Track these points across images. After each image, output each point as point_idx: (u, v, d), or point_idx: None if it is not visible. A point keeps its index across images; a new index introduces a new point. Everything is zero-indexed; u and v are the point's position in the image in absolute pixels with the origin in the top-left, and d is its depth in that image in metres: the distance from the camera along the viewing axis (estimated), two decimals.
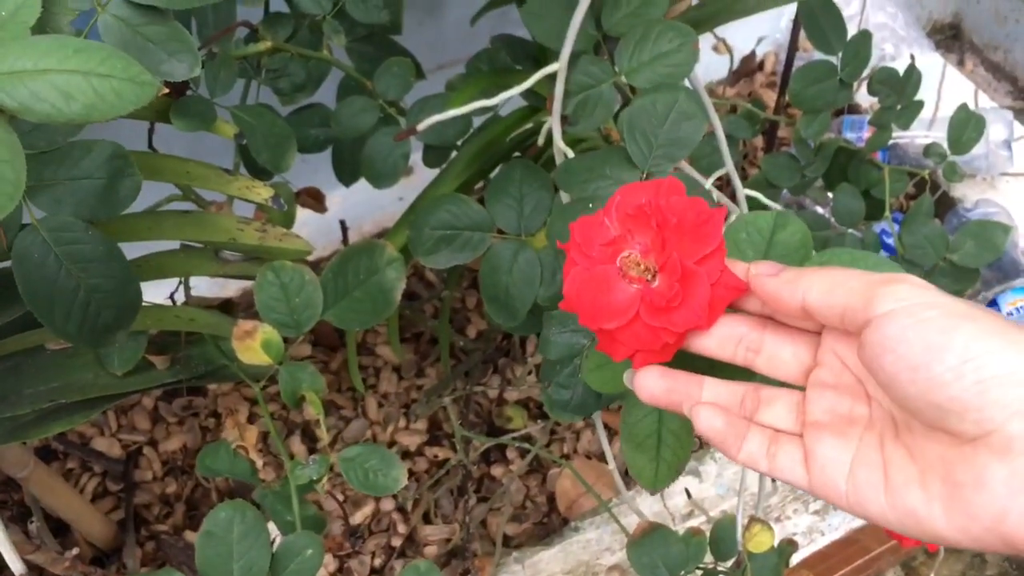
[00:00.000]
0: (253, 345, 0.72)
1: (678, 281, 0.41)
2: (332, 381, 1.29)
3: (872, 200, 1.15)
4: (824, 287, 0.40)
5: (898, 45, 1.44)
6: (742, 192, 0.84)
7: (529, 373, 1.28)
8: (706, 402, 0.43)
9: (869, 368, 0.38)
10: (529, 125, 0.95)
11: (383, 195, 0.94)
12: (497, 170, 0.77)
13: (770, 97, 1.51)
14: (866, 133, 1.37)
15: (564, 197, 0.76)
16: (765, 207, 0.97)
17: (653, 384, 0.44)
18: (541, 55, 0.92)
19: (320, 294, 0.74)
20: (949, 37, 1.77)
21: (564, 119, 0.76)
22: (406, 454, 1.22)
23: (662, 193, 0.43)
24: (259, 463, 0.74)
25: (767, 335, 0.43)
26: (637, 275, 0.43)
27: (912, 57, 1.10)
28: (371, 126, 0.83)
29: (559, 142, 0.75)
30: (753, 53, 1.52)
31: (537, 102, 0.94)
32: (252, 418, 1.26)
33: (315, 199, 1.03)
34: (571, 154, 0.74)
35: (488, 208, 0.76)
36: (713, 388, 0.44)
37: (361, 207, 1.34)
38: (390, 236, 0.88)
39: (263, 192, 0.69)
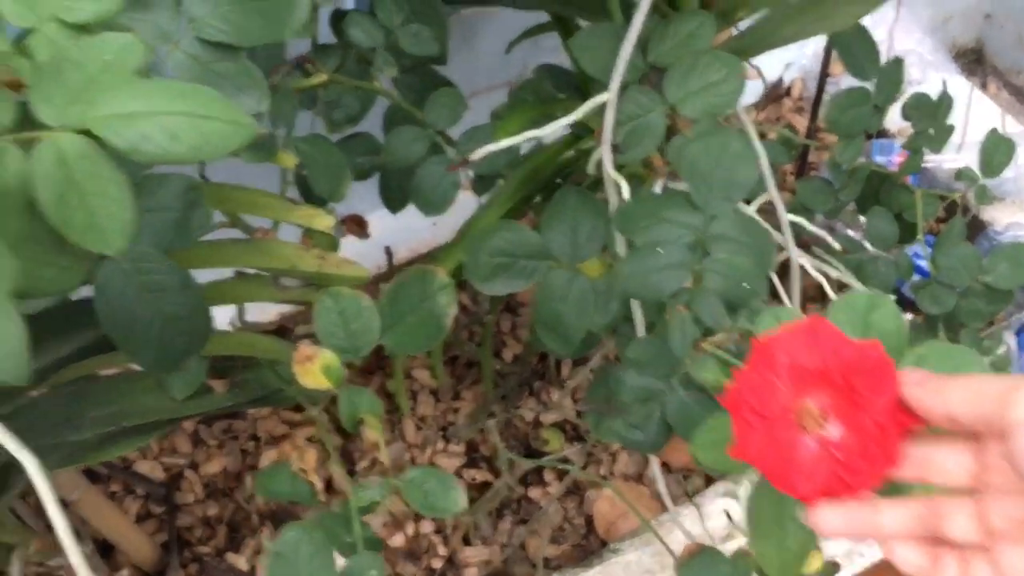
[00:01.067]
0: (313, 369, 0.74)
1: (866, 435, 0.42)
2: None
3: (904, 223, 1.17)
4: (965, 396, 0.40)
5: (924, 70, 1.46)
6: (786, 218, 0.85)
7: (565, 396, 1.29)
8: (897, 535, 0.43)
9: (1020, 473, 0.38)
10: (571, 152, 0.97)
11: (417, 220, 0.95)
12: (552, 199, 0.78)
13: (798, 121, 1.53)
14: (895, 156, 1.38)
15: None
16: (808, 232, 0.99)
17: (832, 521, 0.44)
18: (583, 84, 0.94)
19: (377, 320, 0.76)
20: (972, 61, 1.79)
21: (614, 148, 0.78)
22: None
23: (824, 343, 0.43)
24: (319, 485, 0.76)
25: (927, 443, 0.43)
26: (820, 432, 0.43)
27: (944, 83, 1.12)
28: (422, 155, 0.85)
29: (610, 171, 0.77)
30: (780, 79, 1.54)
31: (580, 129, 0.96)
32: (281, 440, 1.27)
33: (359, 225, 1.05)
34: (623, 183, 0.76)
35: (543, 236, 0.78)
36: (892, 512, 0.43)
37: (395, 232, 1.35)
38: (439, 262, 0.90)
39: (326, 220, 0.71)
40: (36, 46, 0.48)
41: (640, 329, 0.79)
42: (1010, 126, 1.51)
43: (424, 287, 0.79)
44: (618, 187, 0.77)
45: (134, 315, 0.59)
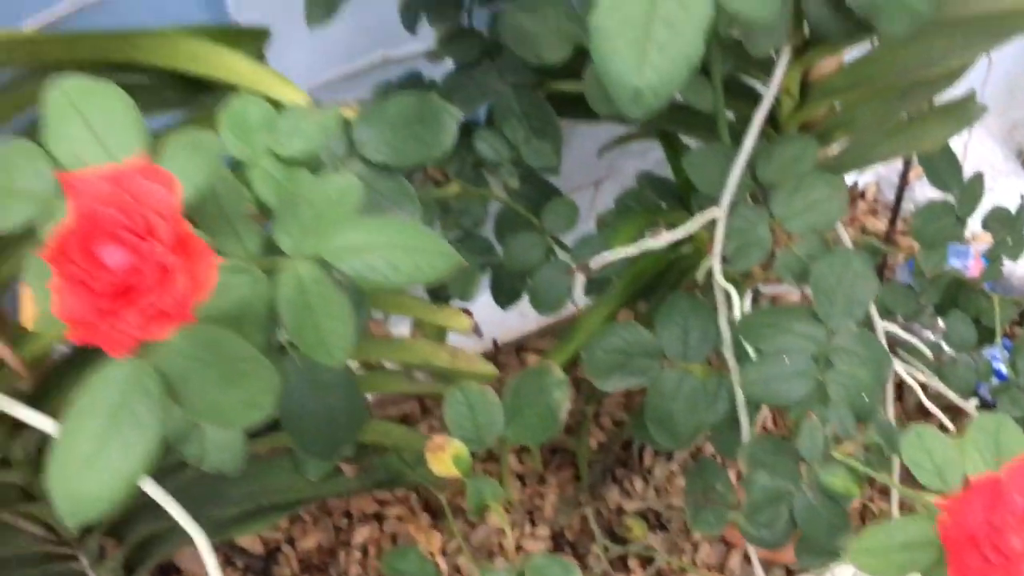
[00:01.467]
0: (444, 458, 0.80)
1: None
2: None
3: (981, 327, 1.21)
4: None
5: (995, 177, 1.52)
6: (881, 326, 0.91)
7: (647, 486, 1.34)
8: None
9: None
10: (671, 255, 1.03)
11: (509, 311, 1.02)
12: (665, 303, 0.84)
13: (871, 223, 1.59)
14: (971, 261, 1.43)
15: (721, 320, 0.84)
16: (895, 336, 1.04)
17: None
18: (685, 194, 1.01)
19: (501, 413, 0.82)
20: None
21: (723, 258, 0.84)
22: None
23: None
24: (444, 567, 0.81)
25: None
26: None
27: (1022, 197, 1.17)
28: (539, 260, 0.92)
29: (721, 280, 0.83)
30: (856, 182, 1.61)
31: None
32: (372, 518, 1.32)
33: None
34: (734, 292, 0.82)
35: (657, 336, 0.84)
36: None
37: (488, 324, 1.42)
38: (551, 357, 0.96)
39: (465, 322, 0.78)
40: (257, 179, 0.56)
41: (746, 430, 0.84)
42: None
43: (541, 382, 0.85)
44: (728, 295, 0.83)
45: (305, 408, 0.66)
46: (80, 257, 0.35)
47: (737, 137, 0.91)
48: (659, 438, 0.86)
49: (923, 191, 1.54)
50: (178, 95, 0.71)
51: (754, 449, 0.80)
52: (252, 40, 0.76)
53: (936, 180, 1.08)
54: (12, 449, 0.73)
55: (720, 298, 0.84)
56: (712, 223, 0.85)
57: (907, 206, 1.50)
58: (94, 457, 0.41)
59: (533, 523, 1.31)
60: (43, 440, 0.75)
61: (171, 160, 0.44)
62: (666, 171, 1.43)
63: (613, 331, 0.85)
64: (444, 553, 1.30)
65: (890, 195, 1.59)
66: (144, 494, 0.72)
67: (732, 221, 0.83)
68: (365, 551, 1.29)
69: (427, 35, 1.04)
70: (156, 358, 0.43)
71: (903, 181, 1.26)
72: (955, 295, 1.22)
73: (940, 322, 1.27)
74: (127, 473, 0.41)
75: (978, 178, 1.10)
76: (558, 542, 1.30)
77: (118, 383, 0.42)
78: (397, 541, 1.30)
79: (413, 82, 1.04)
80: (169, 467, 0.76)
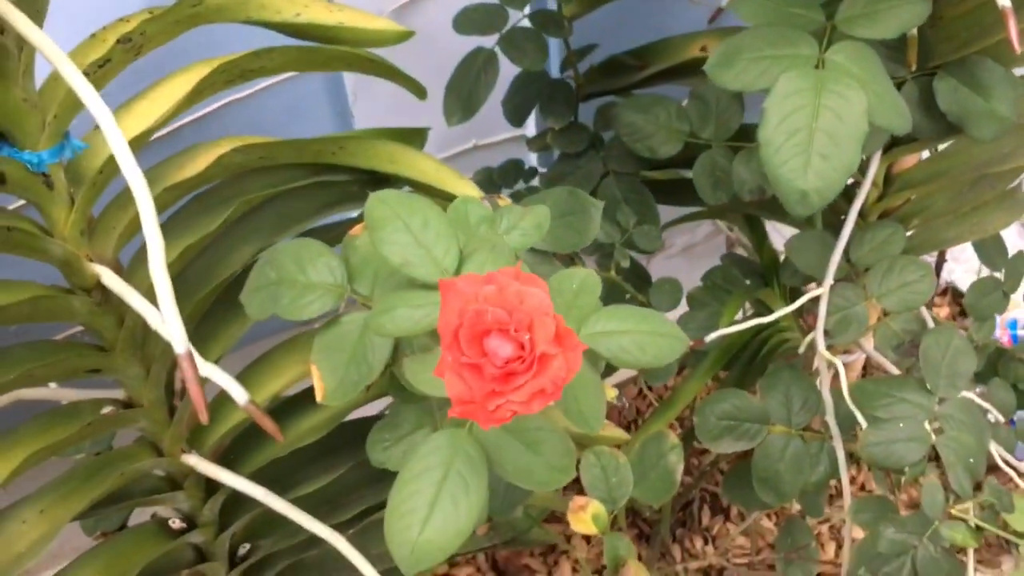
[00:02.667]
0: (585, 518, 0.87)
1: None
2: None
3: (1019, 392, 1.32)
4: None
5: None
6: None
7: (706, 544, 1.41)
8: None
9: None
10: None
11: None
12: (768, 373, 0.93)
13: None
14: (997, 331, 1.54)
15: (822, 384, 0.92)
16: None
17: None
18: (768, 273, 1.10)
19: (631, 475, 0.90)
20: None
21: (825, 333, 0.93)
22: None
23: None
24: None
25: None
26: None
27: None
28: None
29: (824, 352, 0.92)
30: None
31: (762, 310, 1.12)
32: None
33: None
34: (838, 363, 0.91)
35: (764, 403, 0.93)
36: None
37: None
38: (652, 423, 1.04)
39: (611, 391, 0.86)
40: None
41: (846, 488, 0.93)
42: None
43: (659, 447, 0.93)
44: (831, 364, 0.92)
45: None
46: (469, 348, 0.43)
47: (825, 224, 1.02)
48: (765, 496, 0.94)
49: (947, 273, 1.66)
50: (360, 189, 0.79)
51: (860, 507, 0.89)
52: (419, 139, 0.84)
53: (985, 258, 1.19)
54: (202, 512, 0.79)
55: (823, 368, 0.93)
56: (811, 301, 0.94)
57: None
58: (429, 515, 0.48)
59: None
60: (227, 504, 0.81)
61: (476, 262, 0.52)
62: (715, 246, 1.54)
63: (723, 398, 0.93)
64: None
65: None
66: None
67: (832, 299, 0.93)
68: None
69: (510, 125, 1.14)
70: (473, 430, 0.50)
71: (940, 261, 1.37)
72: (995, 363, 1.33)
73: (977, 388, 1.37)
74: (459, 527, 0.48)
75: (1020, 256, 1.21)
76: None
77: (444, 450, 0.49)
78: None
79: (516, 167, 1.13)
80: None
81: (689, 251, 1.56)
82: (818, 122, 0.68)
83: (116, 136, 0.53)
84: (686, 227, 1.51)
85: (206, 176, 0.68)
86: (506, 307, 0.43)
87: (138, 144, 0.63)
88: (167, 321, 0.49)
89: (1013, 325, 1.46)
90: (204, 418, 0.49)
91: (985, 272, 1.18)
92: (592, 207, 0.82)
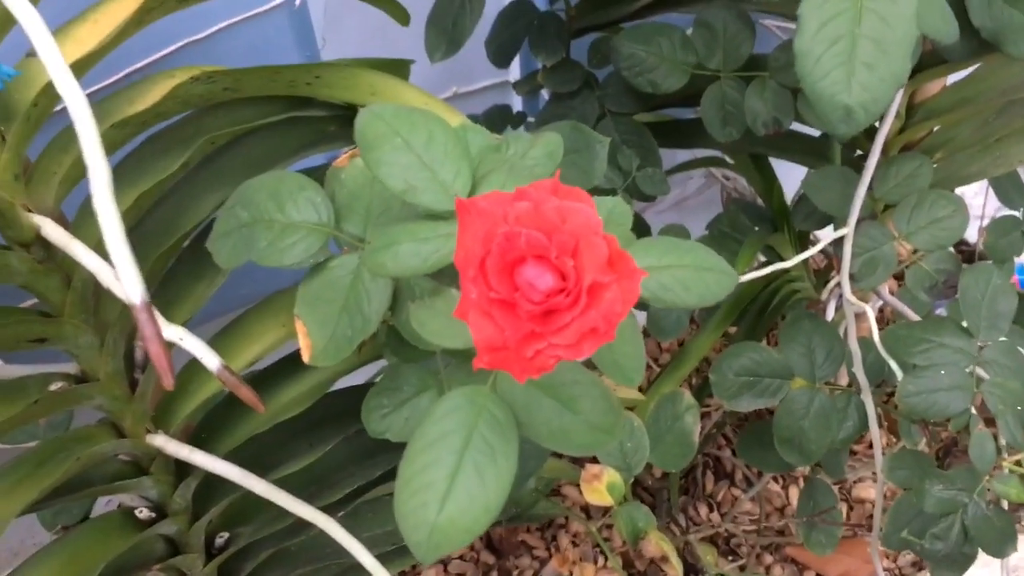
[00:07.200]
0: (599, 487, 0.79)
1: None
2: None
3: None
4: None
5: None
6: None
7: (711, 511, 1.34)
8: None
9: None
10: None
11: None
12: (787, 323, 0.85)
13: None
14: (1012, 278, 1.48)
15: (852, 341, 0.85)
16: None
17: None
18: (778, 218, 1.03)
19: (647, 439, 0.82)
20: None
21: (851, 276, 0.86)
22: None
23: None
24: None
25: None
26: None
27: None
28: None
29: (851, 297, 0.84)
30: None
31: (773, 256, 1.04)
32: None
33: None
34: (866, 308, 0.83)
35: (783, 356, 0.85)
36: None
37: None
38: (662, 384, 0.96)
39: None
40: None
41: (877, 443, 0.85)
42: None
43: (675, 408, 0.85)
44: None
45: None
46: (499, 282, 0.34)
47: (846, 157, 0.94)
48: (789, 456, 0.87)
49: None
50: (339, 129, 0.70)
51: (895, 463, 0.82)
52: (403, 71, 0.75)
53: (1002, 196, 1.12)
54: (173, 500, 0.70)
55: (850, 316, 0.86)
56: (834, 242, 0.86)
57: None
58: (450, 489, 0.40)
59: (604, 555, 1.30)
60: (201, 489, 0.72)
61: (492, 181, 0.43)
62: (707, 199, 1.46)
63: (740, 352, 0.85)
64: None
65: None
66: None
67: (857, 239, 0.85)
68: None
69: (493, 70, 1.05)
70: (498, 386, 0.42)
71: None
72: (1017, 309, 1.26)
73: None
74: (487, 503, 0.40)
75: None
76: (631, 574, 1.29)
77: (464, 412, 0.41)
78: None
79: (502, 113, 1.04)
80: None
81: (681, 205, 1.48)
82: (861, 27, 0.60)
83: (52, 52, 0.43)
84: (676, 179, 1.43)
85: (161, 110, 0.59)
86: (544, 228, 0.34)
87: (80, 71, 0.54)
88: (118, 265, 0.39)
89: (1022, 270, 1.40)
90: (169, 383, 0.40)
91: None
92: (598, 143, 0.73)
